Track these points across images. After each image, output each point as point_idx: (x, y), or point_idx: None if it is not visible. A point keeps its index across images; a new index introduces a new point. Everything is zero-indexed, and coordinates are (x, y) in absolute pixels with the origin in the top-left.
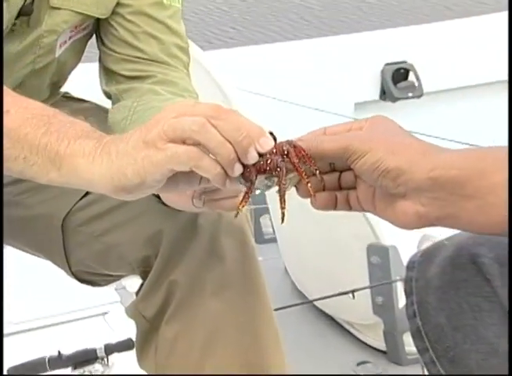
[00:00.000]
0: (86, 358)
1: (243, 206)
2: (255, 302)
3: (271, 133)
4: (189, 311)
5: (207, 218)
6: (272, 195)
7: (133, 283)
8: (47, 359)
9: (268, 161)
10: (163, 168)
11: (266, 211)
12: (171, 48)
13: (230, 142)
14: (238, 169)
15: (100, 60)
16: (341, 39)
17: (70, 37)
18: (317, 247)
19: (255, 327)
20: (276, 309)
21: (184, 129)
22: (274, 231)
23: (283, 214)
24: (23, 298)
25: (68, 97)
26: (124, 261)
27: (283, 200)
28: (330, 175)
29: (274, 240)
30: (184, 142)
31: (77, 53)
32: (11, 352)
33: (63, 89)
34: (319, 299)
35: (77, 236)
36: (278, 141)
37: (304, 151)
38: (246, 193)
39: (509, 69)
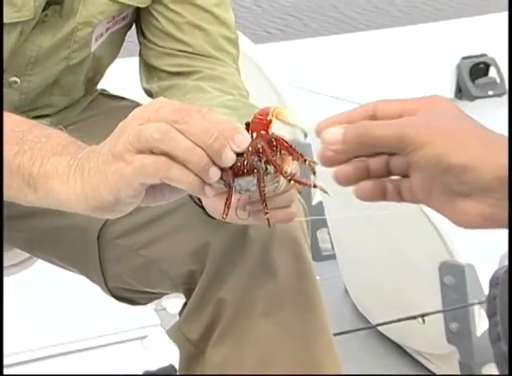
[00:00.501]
0: None
1: (227, 214)
2: (312, 324)
3: (247, 125)
4: (238, 333)
5: (259, 230)
6: (330, 206)
7: (175, 303)
8: None
9: (245, 162)
10: (133, 183)
11: (324, 223)
12: (218, 39)
13: (201, 147)
14: (214, 174)
15: (140, 55)
16: (410, 30)
17: (106, 30)
18: (382, 265)
19: (312, 352)
20: (336, 334)
21: (147, 138)
22: (333, 247)
23: (267, 219)
24: (53, 319)
25: (105, 94)
26: (166, 277)
27: (264, 204)
28: (377, 158)
29: (333, 256)
30: (152, 152)
31: (114, 47)
32: None
33: (100, 86)
34: (384, 324)
35: (115, 249)
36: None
37: (287, 144)
38: (227, 199)
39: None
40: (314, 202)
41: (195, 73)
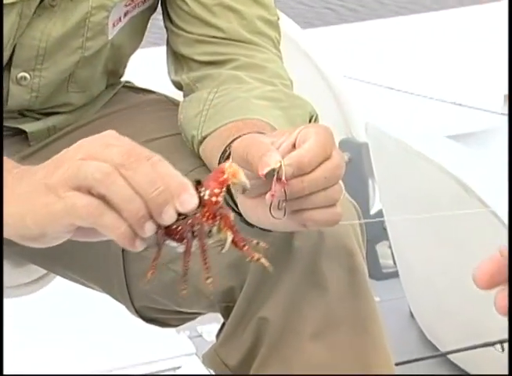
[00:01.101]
0: None
1: (152, 274)
2: (370, 349)
3: (198, 182)
4: (283, 357)
5: (305, 239)
6: (392, 214)
7: (212, 329)
8: None
9: (179, 228)
10: (62, 221)
11: (384, 236)
12: (255, 22)
13: (141, 197)
14: (150, 229)
15: (168, 43)
16: (484, 9)
17: (125, 14)
18: (453, 284)
19: None
20: (399, 364)
21: (86, 177)
22: (395, 263)
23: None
24: (70, 347)
25: (130, 87)
26: (201, 294)
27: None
28: None
29: (395, 274)
30: (89, 193)
31: (135, 33)
32: None
33: (123, 78)
34: (456, 352)
35: (141, 263)
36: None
37: (233, 226)
38: (154, 258)
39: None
40: (372, 211)
41: (230, 61)
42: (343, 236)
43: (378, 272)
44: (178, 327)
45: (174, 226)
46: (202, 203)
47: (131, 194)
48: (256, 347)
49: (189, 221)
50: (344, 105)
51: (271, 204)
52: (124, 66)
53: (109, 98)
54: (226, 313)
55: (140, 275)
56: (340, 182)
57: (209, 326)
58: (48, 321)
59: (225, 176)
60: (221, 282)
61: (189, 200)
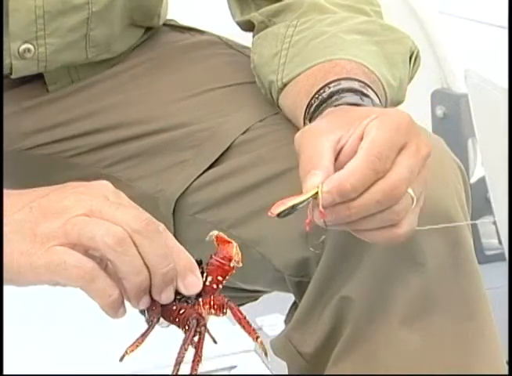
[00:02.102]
0: None
1: (132, 351)
2: (475, 338)
3: (199, 263)
4: (369, 345)
5: (398, 204)
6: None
7: (276, 321)
8: None
9: (181, 311)
10: (41, 278)
11: (487, 209)
12: None
13: (150, 270)
14: (145, 303)
15: None
16: None
17: None
18: None
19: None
20: None
21: (94, 239)
22: (501, 243)
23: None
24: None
25: (173, 26)
26: (268, 266)
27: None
28: None
29: (501, 257)
30: (85, 251)
31: None
32: None
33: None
34: None
35: (196, 227)
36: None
37: (242, 317)
38: (143, 335)
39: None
40: (473, 179)
41: None
42: (444, 202)
43: (480, 255)
44: (234, 320)
45: (174, 307)
46: (202, 288)
47: (140, 266)
48: (336, 332)
49: (192, 307)
50: (438, 47)
51: (307, 234)
52: (158, 16)
53: (142, 40)
54: (299, 291)
55: (194, 242)
56: (409, 195)
57: (271, 317)
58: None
59: (232, 265)
60: (292, 252)
61: (194, 284)
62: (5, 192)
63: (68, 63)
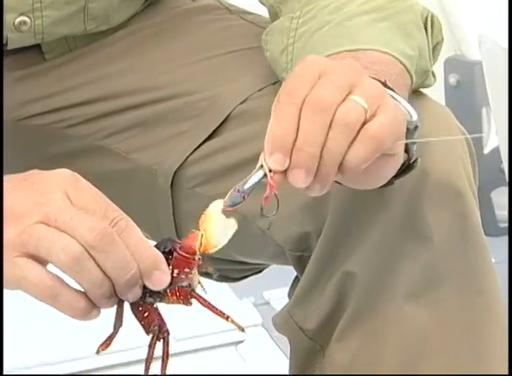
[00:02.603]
0: None
1: (104, 349)
2: (481, 313)
3: (168, 252)
4: (373, 322)
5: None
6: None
7: (282, 294)
8: None
9: (145, 314)
10: (9, 286)
11: (502, 181)
12: None
13: (112, 279)
14: (111, 304)
15: None
16: None
17: None
18: None
19: (480, 354)
20: None
21: (49, 253)
22: None
23: None
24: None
25: None
26: (269, 240)
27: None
28: None
29: None
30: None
31: None
32: None
33: None
34: None
35: (194, 201)
36: None
37: (209, 304)
38: (111, 335)
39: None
40: (487, 149)
41: None
42: (450, 174)
43: (494, 227)
44: (241, 293)
45: (138, 305)
46: (171, 279)
47: (101, 279)
48: (339, 308)
49: (155, 311)
50: (451, 13)
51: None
52: None
53: (144, 7)
54: (300, 265)
55: (193, 215)
56: (352, 100)
57: (278, 291)
58: None
59: (197, 258)
60: (292, 225)
61: (161, 280)
62: None
63: (65, 35)
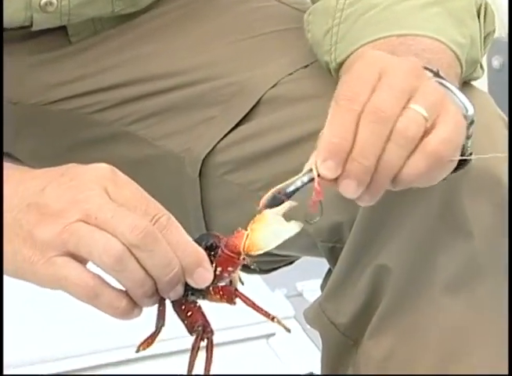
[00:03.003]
0: None
1: (145, 348)
2: None
3: (210, 248)
4: (409, 316)
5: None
6: None
7: (316, 286)
8: None
9: (188, 313)
10: (47, 285)
11: None
12: None
13: (154, 278)
14: (153, 303)
15: None
16: None
17: None
18: None
19: None
20: None
21: (91, 253)
22: None
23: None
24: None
25: None
26: (300, 231)
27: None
28: None
29: None
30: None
31: None
32: None
33: None
34: None
35: (223, 189)
36: None
37: (252, 303)
38: (154, 333)
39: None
40: None
41: None
42: (490, 164)
43: None
44: (273, 285)
45: (180, 303)
46: (214, 276)
47: (143, 278)
48: (373, 303)
49: (199, 311)
50: None
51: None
52: None
53: None
54: (332, 257)
55: (222, 204)
56: (412, 110)
57: (311, 282)
58: None
59: (242, 258)
60: (325, 216)
61: (203, 277)
62: (5, 171)
63: (92, 16)
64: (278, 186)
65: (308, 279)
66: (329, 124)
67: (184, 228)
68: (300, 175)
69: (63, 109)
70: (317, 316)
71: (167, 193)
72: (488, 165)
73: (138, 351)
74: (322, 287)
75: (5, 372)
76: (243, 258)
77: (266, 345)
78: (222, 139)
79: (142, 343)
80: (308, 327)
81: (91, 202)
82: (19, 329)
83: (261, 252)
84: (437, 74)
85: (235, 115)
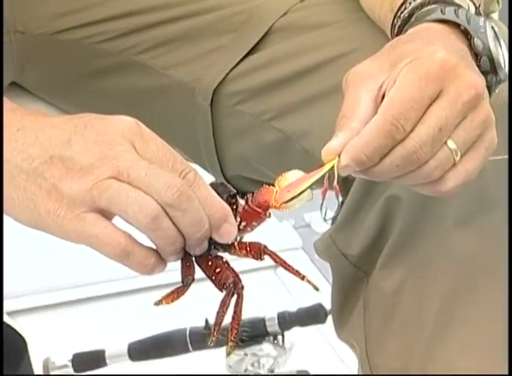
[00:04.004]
0: (249, 334)
1: (168, 303)
2: None
3: (233, 197)
4: (420, 247)
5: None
6: None
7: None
8: (187, 333)
9: (217, 270)
10: (74, 240)
11: None
12: None
13: (185, 236)
14: (178, 258)
15: None
16: None
17: None
18: None
19: None
20: None
21: (126, 213)
22: None
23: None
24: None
25: None
26: (312, 163)
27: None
28: None
29: None
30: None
31: None
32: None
33: None
34: None
35: (235, 119)
36: None
37: (283, 262)
38: (179, 289)
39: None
40: None
41: None
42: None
43: None
44: (281, 215)
45: (206, 259)
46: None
47: (175, 237)
48: (384, 234)
49: (228, 268)
50: None
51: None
52: None
53: None
54: (345, 189)
55: (234, 134)
56: (447, 149)
57: (319, 213)
58: None
59: (268, 213)
60: None
61: (229, 232)
62: (10, 107)
63: None
64: (299, 189)
65: (317, 210)
66: (367, 133)
67: (196, 159)
68: (320, 174)
69: (70, 38)
70: (328, 247)
71: (178, 125)
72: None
73: (157, 304)
74: (333, 219)
75: (6, 303)
76: (269, 214)
77: (274, 275)
78: (233, 68)
79: (166, 297)
80: (317, 258)
81: (122, 159)
82: (22, 258)
83: (284, 210)
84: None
85: (245, 44)
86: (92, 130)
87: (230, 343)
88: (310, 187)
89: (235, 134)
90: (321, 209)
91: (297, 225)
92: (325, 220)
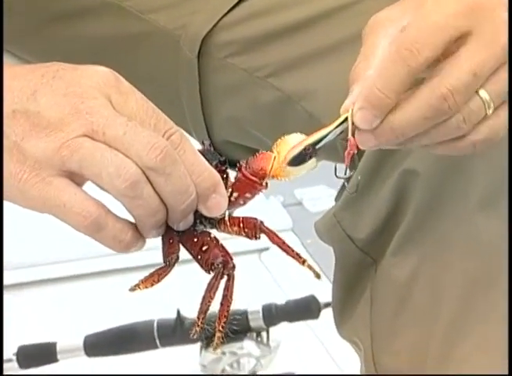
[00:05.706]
0: (228, 329)
1: (146, 287)
2: None
3: (223, 163)
4: (438, 231)
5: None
6: None
7: (320, 194)
8: (155, 325)
9: (204, 248)
10: (36, 209)
11: None
12: None
13: (167, 206)
14: (159, 233)
15: None
16: None
17: None
18: None
19: None
20: None
21: (100, 176)
22: None
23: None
24: None
25: None
26: (315, 125)
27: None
28: None
29: None
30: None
31: None
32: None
33: None
34: None
35: (226, 74)
36: None
37: (281, 241)
38: (159, 273)
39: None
40: None
41: None
42: None
43: None
44: (268, 191)
45: (192, 235)
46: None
47: (156, 206)
48: (397, 214)
49: (217, 245)
50: None
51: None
52: None
53: None
54: (354, 161)
55: (224, 92)
56: (479, 100)
57: (313, 189)
58: None
59: (265, 183)
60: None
61: (218, 205)
62: None
63: None
64: (306, 142)
65: (310, 185)
66: (378, 63)
67: (178, 122)
68: (331, 127)
69: None
70: (331, 229)
71: (158, 79)
72: None
73: (134, 289)
74: (337, 197)
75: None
76: (266, 184)
77: (258, 260)
78: (225, 14)
79: (145, 281)
80: (309, 242)
81: (97, 114)
82: (21, 231)
83: (284, 179)
84: None
85: None
86: (62, 81)
87: (218, 334)
88: (315, 150)
89: (225, 92)
90: (346, 168)
91: (286, 202)
92: (346, 181)
